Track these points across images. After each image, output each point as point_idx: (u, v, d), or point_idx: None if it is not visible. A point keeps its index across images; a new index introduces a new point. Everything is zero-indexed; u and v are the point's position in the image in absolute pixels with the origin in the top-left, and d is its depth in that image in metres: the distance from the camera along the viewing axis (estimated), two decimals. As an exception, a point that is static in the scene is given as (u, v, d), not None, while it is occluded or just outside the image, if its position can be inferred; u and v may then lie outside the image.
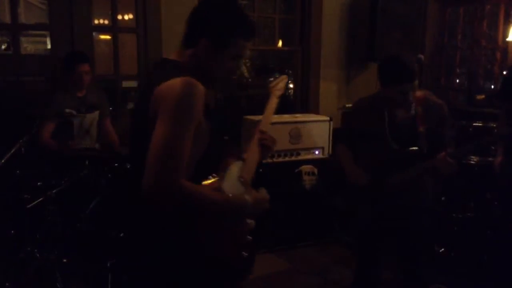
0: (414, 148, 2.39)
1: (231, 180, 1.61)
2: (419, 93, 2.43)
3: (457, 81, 5.30)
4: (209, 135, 1.50)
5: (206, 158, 1.50)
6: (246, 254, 1.63)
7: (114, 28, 3.87)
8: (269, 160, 3.67)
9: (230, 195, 1.49)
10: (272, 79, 2.29)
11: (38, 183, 2.78)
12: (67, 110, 3.23)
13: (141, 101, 1.53)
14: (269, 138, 1.85)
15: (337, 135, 2.77)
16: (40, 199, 2.67)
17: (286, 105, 5.53)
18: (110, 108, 3.64)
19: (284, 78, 2.18)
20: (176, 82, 1.40)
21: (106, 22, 4.19)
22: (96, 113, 3.43)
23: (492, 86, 4.90)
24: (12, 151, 2.60)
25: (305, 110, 4.58)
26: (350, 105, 4.63)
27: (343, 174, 2.55)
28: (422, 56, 3.71)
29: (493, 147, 3.49)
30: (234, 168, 1.66)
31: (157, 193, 1.32)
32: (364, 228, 2.53)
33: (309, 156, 3.81)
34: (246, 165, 1.74)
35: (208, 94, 1.47)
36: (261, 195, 1.59)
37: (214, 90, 1.67)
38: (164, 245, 1.47)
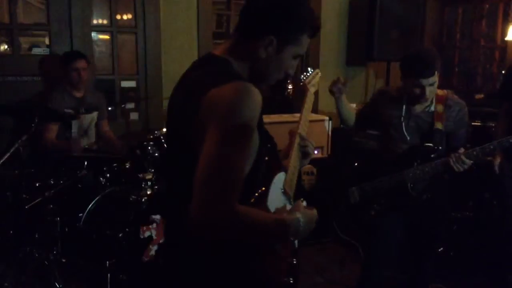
0: (429, 144, 2.41)
1: (276, 195, 1.37)
2: (440, 92, 2.46)
3: (456, 80, 5.31)
4: (261, 148, 1.28)
5: (254, 173, 1.26)
6: (291, 280, 1.42)
7: (113, 28, 3.87)
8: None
9: (285, 215, 1.27)
10: (304, 74, 2.06)
11: (37, 184, 2.78)
12: (66, 111, 3.23)
13: (181, 109, 1.26)
14: (310, 144, 1.62)
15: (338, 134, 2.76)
16: (39, 199, 2.67)
17: (285, 105, 5.53)
18: (109, 108, 3.64)
19: (317, 72, 2.05)
20: (231, 89, 1.16)
21: (105, 22, 4.19)
22: (95, 114, 3.43)
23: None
24: (10, 151, 2.59)
25: (304, 109, 4.57)
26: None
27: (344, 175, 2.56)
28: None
29: (492, 147, 3.49)
30: (278, 181, 1.40)
31: (211, 225, 1.10)
32: (377, 224, 2.52)
33: (308, 156, 3.81)
34: (288, 176, 1.48)
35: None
36: (311, 212, 1.34)
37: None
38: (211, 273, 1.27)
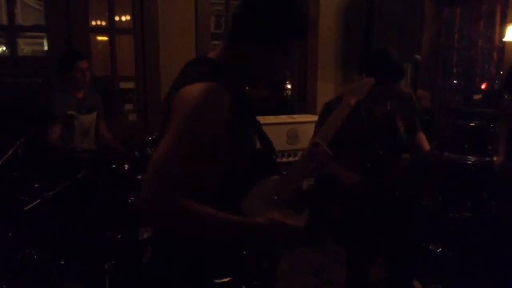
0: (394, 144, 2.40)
1: (258, 199, 1.37)
2: None
3: (454, 81, 5.32)
4: (236, 151, 1.30)
5: (234, 178, 1.31)
6: (255, 283, 1.41)
7: (111, 29, 3.87)
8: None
9: (245, 218, 1.29)
10: (356, 82, 1.94)
11: (36, 185, 2.78)
12: (69, 112, 3.23)
13: (165, 104, 1.33)
14: (323, 152, 1.55)
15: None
16: (38, 201, 2.66)
17: (283, 106, 5.53)
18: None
19: (369, 81, 1.87)
20: (197, 88, 1.22)
21: (103, 23, 4.20)
22: (94, 114, 3.43)
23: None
24: (9, 153, 2.59)
25: (303, 110, 4.58)
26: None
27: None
28: (418, 57, 3.72)
29: (489, 147, 3.51)
30: (267, 185, 1.41)
31: (151, 210, 1.17)
32: (361, 227, 2.52)
33: (307, 157, 3.81)
34: (285, 182, 1.46)
35: (238, 102, 1.28)
36: (284, 222, 1.29)
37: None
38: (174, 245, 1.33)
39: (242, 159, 1.33)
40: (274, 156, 1.55)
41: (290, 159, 3.76)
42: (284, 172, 1.50)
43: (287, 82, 6.81)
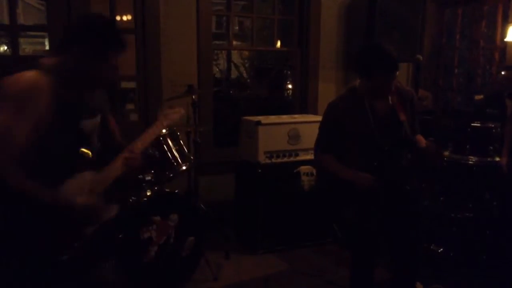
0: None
1: (77, 185, 1.71)
2: None
3: (456, 81, 5.31)
4: (56, 134, 1.59)
5: (48, 157, 1.60)
6: (65, 257, 1.68)
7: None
8: (268, 161, 3.68)
9: (59, 193, 1.62)
10: (171, 108, 2.29)
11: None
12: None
13: None
14: (135, 159, 1.91)
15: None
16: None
17: (285, 106, 5.53)
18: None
19: (178, 111, 2.21)
20: (22, 74, 1.53)
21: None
22: (98, 117, 3.41)
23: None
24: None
25: (304, 110, 4.58)
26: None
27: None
28: (420, 57, 3.71)
29: (491, 147, 3.50)
30: (86, 176, 1.75)
31: None
32: (365, 227, 2.50)
33: (308, 157, 3.80)
34: (100, 178, 1.81)
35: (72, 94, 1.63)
36: (96, 205, 1.69)
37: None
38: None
39: (61, 144, 1.62)
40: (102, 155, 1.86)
41: (292, 159, 3.76)
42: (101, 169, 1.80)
43: (288, 82, 6.82)
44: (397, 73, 2.36)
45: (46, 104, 1.55)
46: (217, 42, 7.22)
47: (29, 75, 1.54)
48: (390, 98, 2.43)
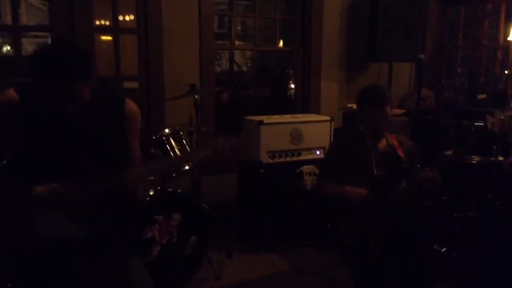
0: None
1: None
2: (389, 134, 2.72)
3: (458, 80, 5.30)
4: (29, 141, 1.69)
5: (21, 160, 1.70)
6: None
7: (115, 29, 3.88)
8: (270, 161, 3.68)
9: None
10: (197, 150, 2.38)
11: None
12: None
13: None
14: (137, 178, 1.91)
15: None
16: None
17: (287, 105, 5.53)
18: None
19: (204, 151, 2.10)
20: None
21: (107, 23, 4.20)
22: None
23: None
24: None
25: (306, 110, 4.58)
26: (351, 105, 4.64)
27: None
28: (423, 56, 3.69)
29: (494, 147, 3.49)
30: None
31: None
32: (362, 248, 2.46)
33: (310, 157, 3.81)
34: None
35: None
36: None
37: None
38: None
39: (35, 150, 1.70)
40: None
41: (294, 158, 3.76)
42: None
43: (291, 82, 6.82)
44: (387, 110, 2.58)
45: (16, 117, 1.67)
46: (219, 42, 7.22)
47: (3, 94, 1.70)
48: (389, 139, 2.67)
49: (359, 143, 2.64)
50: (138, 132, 1.92)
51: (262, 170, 3.65)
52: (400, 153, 2.61)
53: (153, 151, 2.95)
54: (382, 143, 2.66)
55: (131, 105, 1.89)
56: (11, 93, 1.69)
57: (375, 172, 2.55)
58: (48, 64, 1.61)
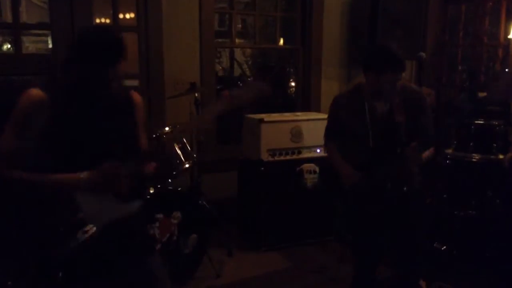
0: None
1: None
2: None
3: (459, 78, 5.29)
4: (49, 137, 1.66)
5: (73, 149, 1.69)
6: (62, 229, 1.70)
7: (115, 27, 3.87)
8: (271, 159, 3.68)
9: (60, 175, 1.66)
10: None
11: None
12: None
13: None
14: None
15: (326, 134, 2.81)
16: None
17: (287, 103, 5.53)
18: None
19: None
20: (24, 93, 1.67)
21: (107, 21, 4.20)
22: None
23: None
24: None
25: (307, 108, 4.58)
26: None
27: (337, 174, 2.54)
28: (423, 54, 3.68)
29: (494, 145, 3.49)
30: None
31: None
32: (362, 227, 2.51)
33: (311, 155, 3.81)
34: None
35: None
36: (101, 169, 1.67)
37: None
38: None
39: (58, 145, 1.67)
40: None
41: (294, 156, 3.76)
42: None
43: (291, 80, 6.82)
44: (403, 74, 2.37)
45: (45, 115, 1.64)
46: (219, 40, 7.21)
47: (27, 93, 1.67)
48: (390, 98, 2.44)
49: (357, 105, 2.45)
50: (145, 122, 1.95)
51: (262, 168, 3.65)
52: (399, 114, 2.40)
53: (153, 149, 2.94)
54: (381, 105, 2.43)
55: (137, 95, 1.93)
56: (35, 92, 1.66)
57: (371, 145, 2.40)
58: (112, 37, 1.69)
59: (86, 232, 1.64)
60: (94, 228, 1.65)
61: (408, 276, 2.55)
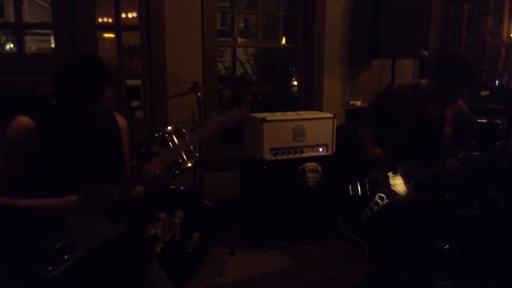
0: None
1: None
2: None
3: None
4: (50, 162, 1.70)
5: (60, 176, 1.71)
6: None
7: (117, 26, 3.88)
8: (273, 158, 3.68)
9: (53, 200, 1.69)
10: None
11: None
12: None
13: None
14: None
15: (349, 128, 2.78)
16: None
17: (290, 102, 5.52)
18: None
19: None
20: (13, 122, 1.70)
21: (110, 20, 4.20)
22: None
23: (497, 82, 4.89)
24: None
25: (309, 107, 4.58)
26: (353, 102, 4.63)
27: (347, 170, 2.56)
28: (426, 53, 3.70)
29: (497, 143, 3.48)
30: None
31: None
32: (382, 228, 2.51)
33: (313, 154, 3.81)
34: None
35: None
36: (94, 190, 1.70)
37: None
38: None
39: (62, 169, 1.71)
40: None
41: (297, 155, 3.76)
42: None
43: (293, 79, 6.81)
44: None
45: (34, 142, 1.67)
46: (222, 39, 7.21)
47: (16, 122, 1.69)
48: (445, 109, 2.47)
49: (410, 103, 2.41)
50: (128, 145, 1.98)
51: (264, 167, 3.65)
52: (449, 126, 2.44)
53: (156, 148, 2.95)
54: (434, 111, 2.41)
55: (121, 118, 1.97)
56: (23, 120, 1.68)
57: (407, 143, 2.40)
58: (90, 70, 1.68)
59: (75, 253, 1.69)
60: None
61: (421, 276, 2.56)
